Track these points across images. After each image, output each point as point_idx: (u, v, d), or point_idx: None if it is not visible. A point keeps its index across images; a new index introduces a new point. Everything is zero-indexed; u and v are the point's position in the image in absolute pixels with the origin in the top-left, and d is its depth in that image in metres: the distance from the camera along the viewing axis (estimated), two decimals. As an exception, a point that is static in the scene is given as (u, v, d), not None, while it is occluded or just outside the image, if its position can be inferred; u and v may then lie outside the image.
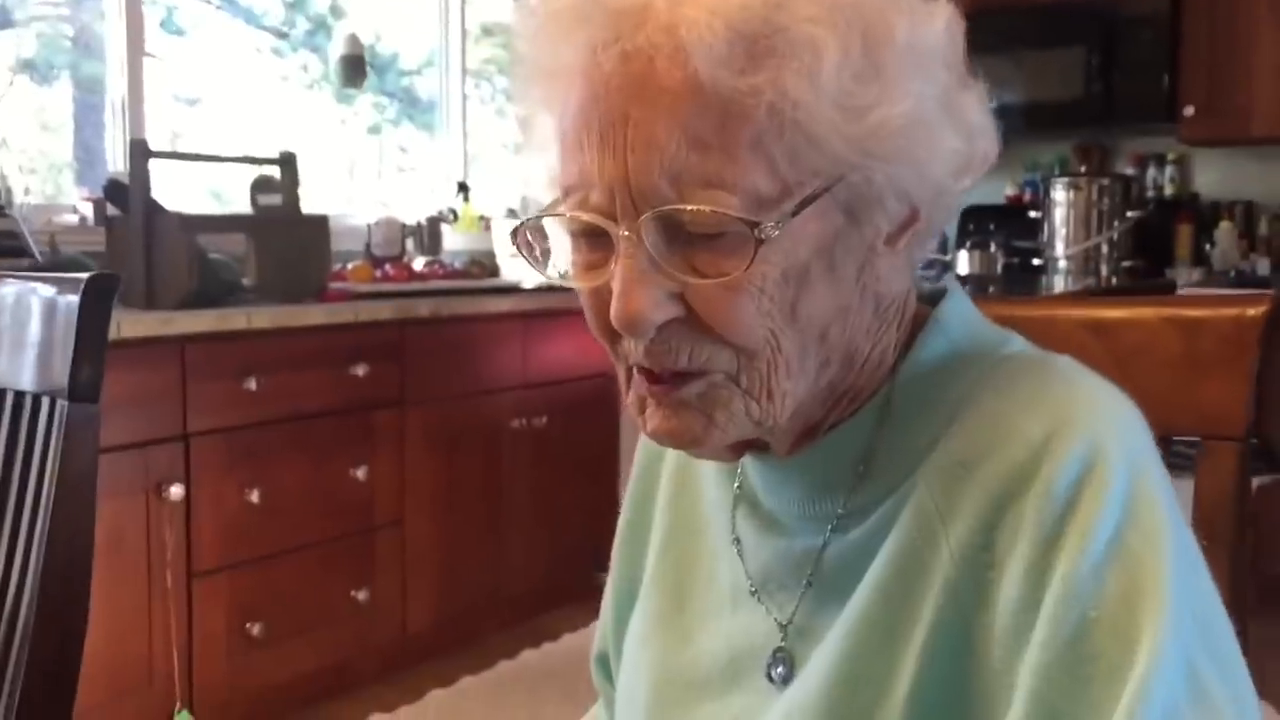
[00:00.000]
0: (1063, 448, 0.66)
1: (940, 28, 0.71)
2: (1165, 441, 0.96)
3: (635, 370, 0.72)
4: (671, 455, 0.91)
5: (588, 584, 3.69)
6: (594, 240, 0.70)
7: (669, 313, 0.68)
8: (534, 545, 3.65)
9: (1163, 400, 0.97)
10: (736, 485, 0.84)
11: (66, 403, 1.13)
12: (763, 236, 0.66)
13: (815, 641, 0.76)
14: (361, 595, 3.12)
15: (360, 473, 3.10)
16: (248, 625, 2.85)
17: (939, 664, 0.69)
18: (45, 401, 1.18)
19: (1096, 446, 0.66)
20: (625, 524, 0.95)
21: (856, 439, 0.75)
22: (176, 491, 2.66)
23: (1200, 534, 0.93)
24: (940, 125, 0.70)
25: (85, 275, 1.15)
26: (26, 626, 1.10)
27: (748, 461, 0.81)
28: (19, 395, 1.21)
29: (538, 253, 0.74)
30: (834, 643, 0.73)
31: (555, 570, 3.71)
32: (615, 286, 0.68)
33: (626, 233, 0.67)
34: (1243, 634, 0.89)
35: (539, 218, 0.73)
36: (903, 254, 0.73)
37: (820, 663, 0.74)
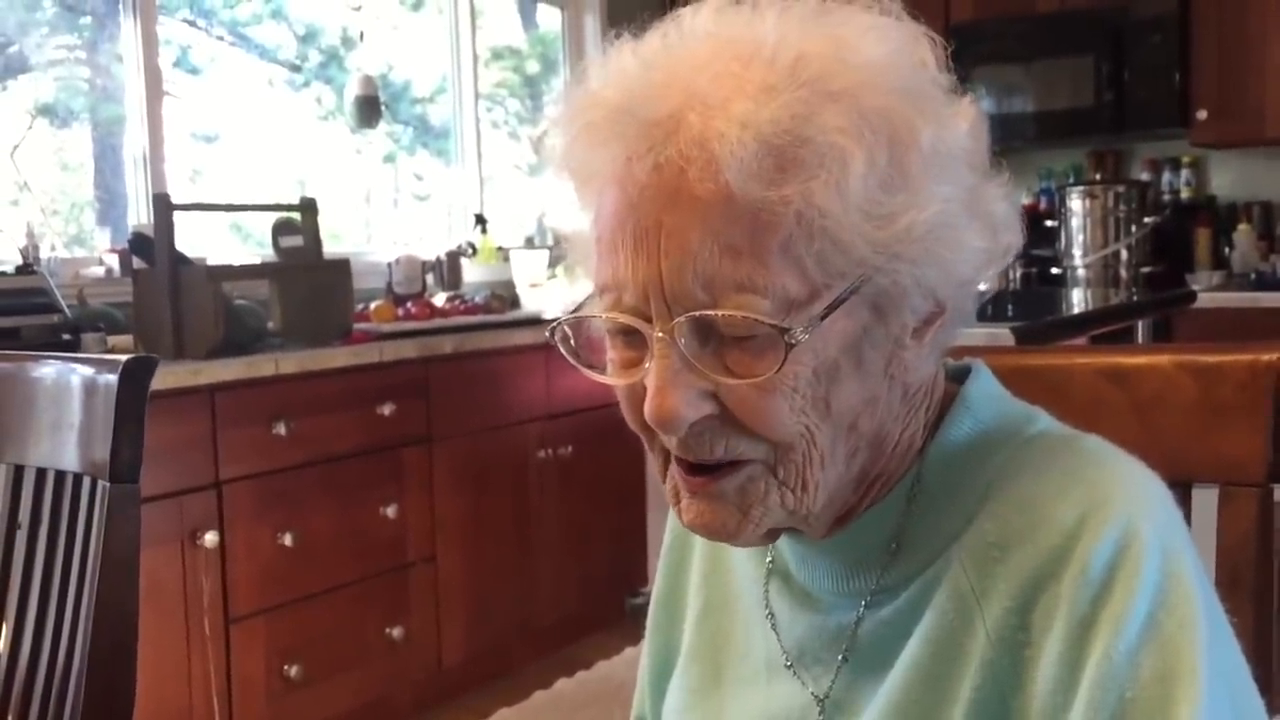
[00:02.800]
0: (1096, 530, 0.68)
1: (965, 129, 0.72)
2: (1187, 488, 0.98)
3: (672, 460, 0.74)
4: None
5: (620, 612, 3.71)
6: (629, 338, 0.72)
7: (702, 410, 0.70)
8: (564, 574, 3.67)
9: (1182, 447, 0.98)
10: (769, 559, 0.85)
11: (108, 484, 1.16)
12: (793, 341, 0.67)
13: (853, 716, 0.77)
14: (396, 632, 3.14)
15: (390, 511, 3.12)
16: (285, 667, 2.88)
17: None
18: (86, 482, 1.20)
19: (1129, 528, 0.68)
20: (659, 594, 0.97)
21: (887, 519, 0.77)
22: (211, 539, 2.69)
23: (1223, 580, 0.95)
24: (965, 226, 0.71)
25: (122, 357, 1.18)
26: (75, 709, 1.12)
27: (781, 538, 0.82)
28: (60, 475, 1.24)
29: (574, 345, 0.76)
30: (874, 718, 0.75)
31: (586, 598, 3.72)
32: (650, 385, 0.70)
33: (661, 334, 0.69)
34: (1269, 684, 0.90)
35: (575, 316, 0.75)
36: (929, 343, 0.74)
37: None
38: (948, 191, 0.70)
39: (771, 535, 0.78)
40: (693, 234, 0.67)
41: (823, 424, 0.71)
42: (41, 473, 1.26)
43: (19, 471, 1.29)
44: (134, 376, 1.17)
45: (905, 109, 0.69)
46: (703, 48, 0.71)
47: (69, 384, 1.23)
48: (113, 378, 1.18)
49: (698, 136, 0.67)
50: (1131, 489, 0.71)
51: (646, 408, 0.70)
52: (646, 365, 0.70)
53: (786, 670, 0.82)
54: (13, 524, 1.29)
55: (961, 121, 0.73)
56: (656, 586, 0.97)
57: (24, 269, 2.91)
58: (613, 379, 0.74)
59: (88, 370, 1.22)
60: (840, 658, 0.79)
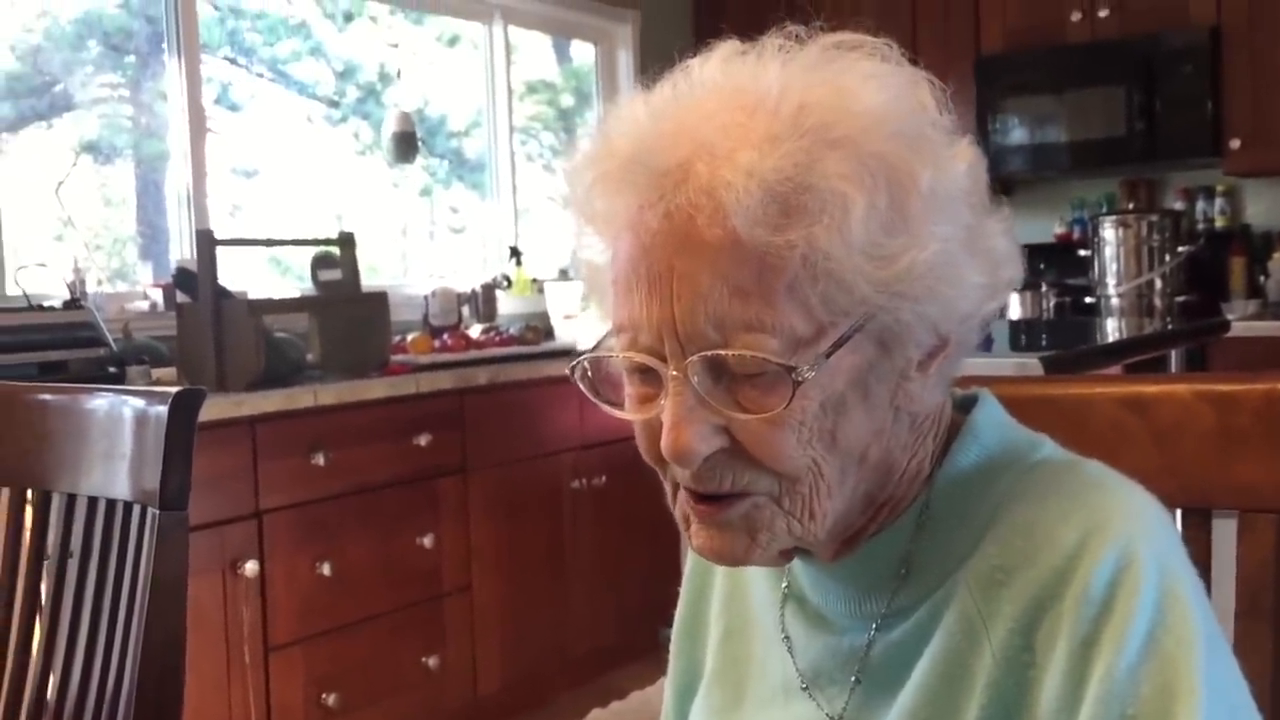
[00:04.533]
0: (1096, 553, 0.71)
1: (963, 170, 0.75)
2: (1206, 515, 0.99)
3: (681, 488, 0.77)
4: None
5: (653, 641, 3.72)
6: (645, 376, 0.76)
7: (715, 445, 0.73)
8: (599, 604, 3.69)
9: (1201, 475, 0.99)
10: (784, 584, 0.88)
11: (158, 511, 1.20)
12: (800, 379, 0.71)
13: None
14: (432, 661, 3.18)
15: (427, 541, 3.16)
16: (323, 696, 2.91)
17: None
18: (136, 510, 1.25)
19: (1128, 550, 0.70)
20: (681, 619, 1.00)
21: (897, 544, 0.80)
22: (251, 568, 2.74)
23: (1242, 606, 0.96)
24: (966, 264, 0.74)
25: (172, 389, 1.23)
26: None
27: (795, 561, 0.85)
28: (110, 504, 1.28)
29: (593, 382, 0.79)
30: None
31: (621, 628, 3.75)
32: (665, 420, 0.73)
33: (675, 372, 0.72)
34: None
35: (594, 355, 0.78)
36: (934, 375, 0.77)
37: None
38: (947, 231, 0.73)
39: (785, 555, 0.81)
40: (703, 277, 0.70)
41: (829, 455, 0.74)
42: (93, 501, 1.31)
43: (71, 500, 1.33)
44: (184, 407, 1.22)
45: (904, 153, 0.72)
46: (710, 98, 0.74)
47: (121, 415, 1.28)
48: (163, 409, 1.22)
49: (706, 185, 0.70)
50: (1130, 511, 0.73)
51: (663, 443, 0.73)
52: (662, 402, 0.74)
53: (802, 692, 0.85)
54: (64, 552, 1.33)
55: (960, 162, 0.76)
56: (679, 611, 1.00)
57: (71, 303, 2.98)
58: (630, 414, 0.78)
59: (139, 402, 1.27)
60: (853, 679, 0.82)
